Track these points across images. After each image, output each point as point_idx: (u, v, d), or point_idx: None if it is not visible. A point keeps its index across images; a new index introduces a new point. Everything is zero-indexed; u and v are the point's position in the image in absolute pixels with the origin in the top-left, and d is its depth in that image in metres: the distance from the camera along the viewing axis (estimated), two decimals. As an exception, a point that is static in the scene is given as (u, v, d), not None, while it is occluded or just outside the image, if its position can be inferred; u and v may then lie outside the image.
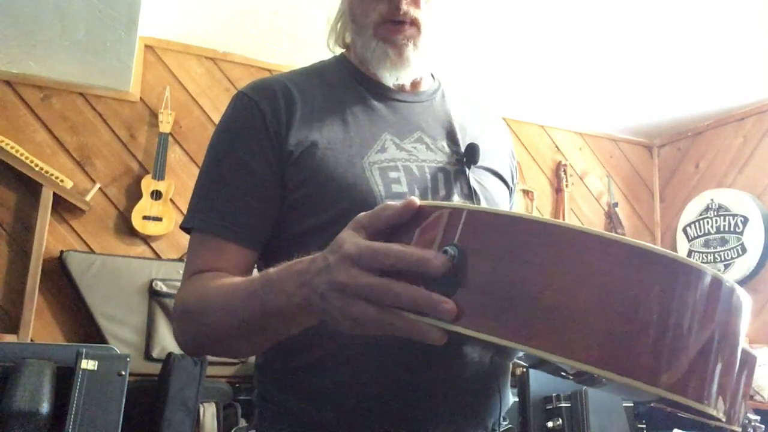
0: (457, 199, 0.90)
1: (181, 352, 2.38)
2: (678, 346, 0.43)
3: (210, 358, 2.42)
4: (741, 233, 3.38)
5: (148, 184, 2.80)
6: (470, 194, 0.91)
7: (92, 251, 2.72)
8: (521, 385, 2.64)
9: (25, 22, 2.29)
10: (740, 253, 3.38)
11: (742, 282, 3.35)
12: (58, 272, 2.62)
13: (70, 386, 1.98)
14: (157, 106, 2.90)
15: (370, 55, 0.92)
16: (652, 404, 0.71)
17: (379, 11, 0.90)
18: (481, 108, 1.07)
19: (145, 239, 2.82)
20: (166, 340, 2.57)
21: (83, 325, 2.62)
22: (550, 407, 2.66)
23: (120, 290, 2.60)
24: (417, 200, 0.54)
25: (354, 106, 0.93)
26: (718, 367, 0.46)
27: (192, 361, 2.36)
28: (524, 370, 2.64)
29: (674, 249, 3.76)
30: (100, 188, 2.79)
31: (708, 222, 3.57)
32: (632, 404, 2.77)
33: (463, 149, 0.94)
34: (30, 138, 2.72)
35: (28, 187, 2.63)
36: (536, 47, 2.90)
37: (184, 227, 0.90)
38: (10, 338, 2.43)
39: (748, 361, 0.62)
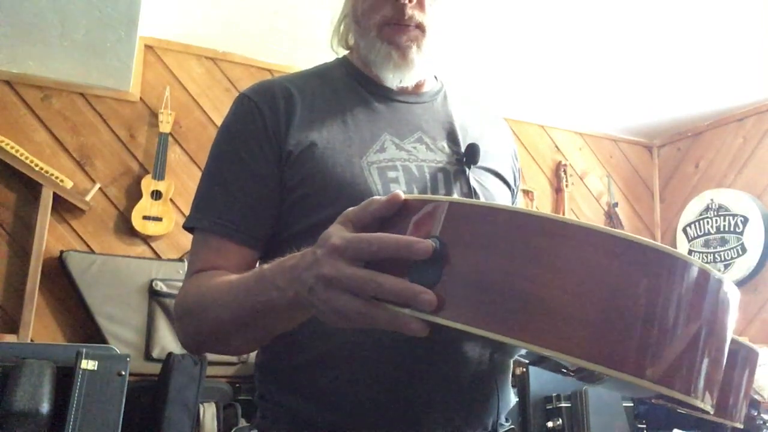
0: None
1: (182, 352, 2.39)
2: (664, 338, 0.43)
3: (210, 358, 2.43)
4: (741, 233, 3.38)
5: (148, 184, 2.80)
6: (470, 194, 0.91)
7: (92, 251, 2.72)
8: (521, 384, 2.64)
9: (25, 22, 2.29)
10: (740, 253, 3.38)
11: (742, 282, 3.35)
12: (58, 272, 2.62)
13: (70, 386, 1.99)
14: (157, 106, 2.90)
15: (374, 57, 0.92)
16: (652, 400, 0.71)
17: (384, 14, 0.90)
18: (483, 109, 1.08)
19: (145, 239, 2.82)
20: (166, 340, 2.57)
21: (83, 325, 2.62)
22: (550, 407, 2.66)
23: (120, 290, 2.60)
24: (402, 194, 0.54)
25: (354, 107, 0.93)
26: (706, 359, 0.45)
27: (192, 361, 2.36)
28: (524, 369, 2.64)
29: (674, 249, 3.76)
30: (100, 188, 2.79)
31: (708, 222, 3.57)
32: (632, 404, 2.77)
33: (463, 150, 0.94)
34: (30, 138, 2.72)
35: (28, 187, 2.63)
36: (536, 47, 2.90)
37: (187, 227, 0.91)
38: (10, 338, 2.43)
39: (749, 357, 0.62)
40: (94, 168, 2.80)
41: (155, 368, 2.45)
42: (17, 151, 2.64)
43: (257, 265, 0.91)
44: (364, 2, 0.92)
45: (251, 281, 0.69)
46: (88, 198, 2.73)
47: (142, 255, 2.79)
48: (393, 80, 0.93)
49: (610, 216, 3.80)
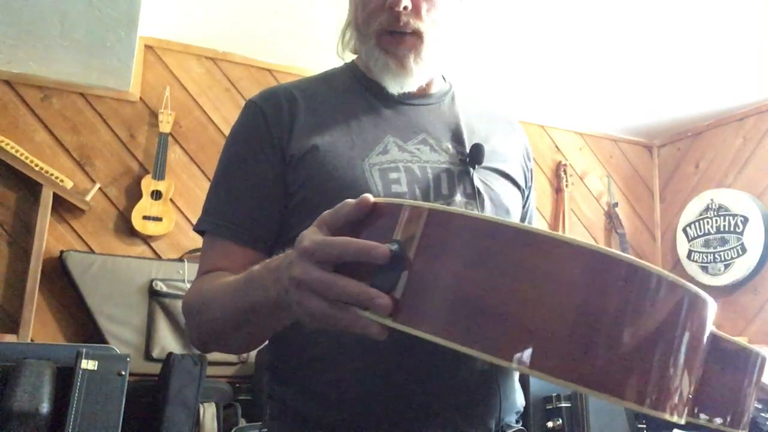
0: (459, 199, 0.90)
1: (182, 352, 2.40)
2: (613, 347, 0.41)
3: (210, 358, 2.43)
4: (741, 233, 3.38)
5: (148, 184, 2.80)
6: (473, 194, 0.91)
7: (92, 251, 2.72)
8: (521, 384, 2.63)
9: (25, 22, 2.29)
10: (740, 253, 3.38)
11: (742, 282, 3.36)
12: (58, 272, 2.62)
13: (70, 386, 1.99)
14: (157, 106, 2.90)
15: (374, 65, 0.93)
16: None
17: (380, 22, 0.90)
18: (493, 110, 1.08)
19: (145, 239, 2.82)
20: (166, 340, 2.57)
21: (83, 325, 2.62)
22: (550, 407, 2.66)
23: (120, 290, 2.60)
24: (371, 197, 0.54)
25: (359, 111, 0.94)
26: (668, 368, 0.43)
27: (192, 361, 2.36)
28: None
29: (674, 249, 3.76)
30: (100, 188, 2.79)
31: (708, 222, 3.57)
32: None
33: (468, 150, 0.94)
34: (30, 138, 2.72)
35: (28, 187, 2.63)
36: (536, 47, 2.90)
37: (196, 230, 0.94)
38: (10, 338, 2.43)
39: (749, 361, 0.60)
40: (94, 168, 2.80)
41: (155, 368, 2.45)
42: (17, 151, 2.64)
43: None
44: (363, 11, 0.93)
45: (241, 282, 0.71)
46: (88, 198, 2.73)
47: (142, 255, 2.79)
48: (393, 87, 0.94)
49: (610, 216, 3.80)
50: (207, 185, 3.20)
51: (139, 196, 2.80)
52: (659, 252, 3.94)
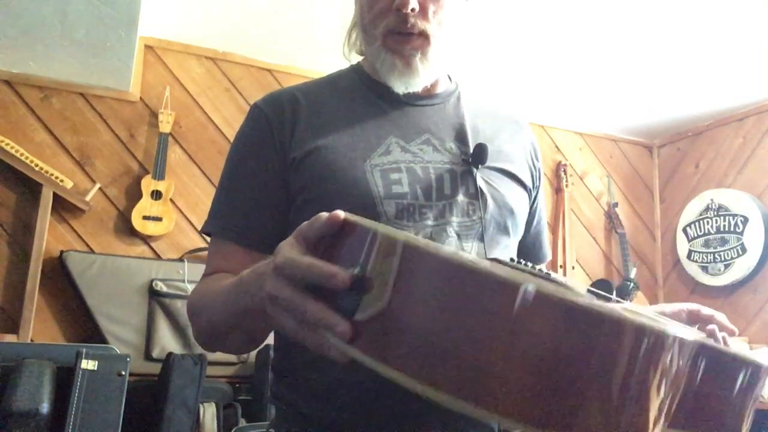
0: (461, 199, 0.90)
1: (182, 353, 2.41)
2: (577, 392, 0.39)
3: (210, 358, 2.43)
4: (741, 233, 3.38)
5: (148, 184, 2.80)
6: (476, 194, 0.91)
7: (92, 251, 2.72)
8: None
9: (25, 22, 2.29)
10: (740, 253, 3.38)
11: (742, 282, 3.36)
12: (58, 272, 2.62)
13: (70, 386, 1.99)
14: (157, 106, 2.90)
15: (380, 65, 0.94)
16: None
17: (387, 23, 0.91)
18: (499, 110, 1.07)
19: (145, 239, 2.82)
20: (166, 340, 2.57)
21: (83, 325, 2.62)
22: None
23: (120, 290, 2.60)
24: (341, 214, 0.53)
25: (363, 112, 0.95)
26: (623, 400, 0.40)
27: (192, 361, 2.36)
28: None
29: (674, 249, 3.76)
30: (100, 188, 2.79)
31: (708, 222, 3.57)
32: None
33: (471, 150, 0.94)
34: (30, 138, 2.72)
35: (28, 187, 2.63)
36: (537, 48, 2.90)
37: (202, 232, 0.97)
38: (10, 338, 2.43)
39: (757, 374, 0.56)
40: (94, 168, 2.80)
41: (155, 368, 2.45)
42: (17, 151, 2.64)
43: None
44: (369, 12, 0.93)
45: (233, 286, 0.72)
46: (88, 198, 2.73)
47: (142, 255, 2.79)
48: (399, 87, 0.94)
49: (610, 216, 3.80)
50: (207, 185, 3.21)
51: (139, 196, 2.80)
52: (659, 252, 3.94)
